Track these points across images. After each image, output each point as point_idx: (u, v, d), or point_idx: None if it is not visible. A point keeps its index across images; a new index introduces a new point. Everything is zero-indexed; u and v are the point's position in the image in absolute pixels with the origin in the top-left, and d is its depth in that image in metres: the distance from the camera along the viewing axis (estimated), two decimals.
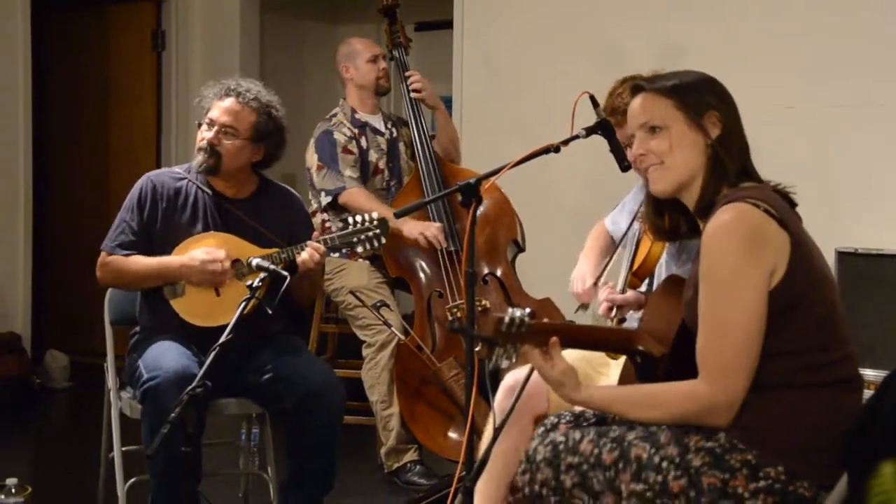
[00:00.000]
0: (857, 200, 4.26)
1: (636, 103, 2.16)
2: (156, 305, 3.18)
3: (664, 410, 1.98)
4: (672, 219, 2.21)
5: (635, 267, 2.78)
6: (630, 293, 2.73)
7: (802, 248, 1.99)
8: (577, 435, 2.06)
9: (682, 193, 2.12)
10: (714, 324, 1.95)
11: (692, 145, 2.08)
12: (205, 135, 3.20)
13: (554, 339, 2.04)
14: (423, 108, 4.25)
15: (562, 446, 2.05)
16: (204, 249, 3.11)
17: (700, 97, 2.10)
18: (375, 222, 3.16)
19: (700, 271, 1.99)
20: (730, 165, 2.06)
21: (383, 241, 3.19)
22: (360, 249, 3.18)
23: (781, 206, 2.03)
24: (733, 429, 1.95)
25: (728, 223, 1.96)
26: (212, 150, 3.17)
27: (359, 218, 3.17)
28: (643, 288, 2.86)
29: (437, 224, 4.02)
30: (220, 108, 3.19)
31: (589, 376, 2.62)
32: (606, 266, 2.99)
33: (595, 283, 2.93)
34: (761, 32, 4.48)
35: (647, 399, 2.01)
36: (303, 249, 3.10)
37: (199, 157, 3.19)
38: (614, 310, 2.69)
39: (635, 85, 2.18)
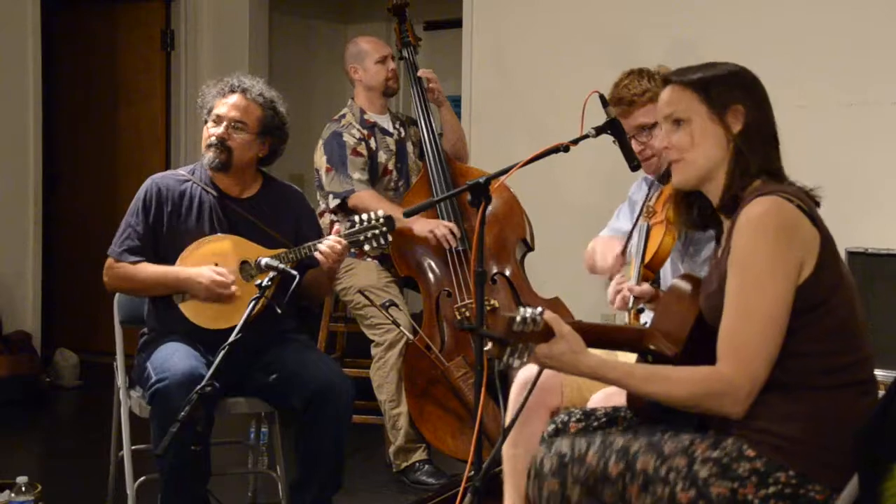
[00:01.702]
0: (867, 200, 4.24)
1: (664, 95, 2.15)
2: (163, 308, 3.18)
3: (681, 387, 1.95)
4: (696, 209, 2.20)
5: (647, 259, 2.76)
6: (645, 286, 2.71)
7: (830, 247, 1.99)
8: (583, 445, 2.05)
9: (705, 186, 2.12)
10: (742, 310, 1.94)
11: (714, 139, 2.07)
12: (213, 131, 3.20)
13: (553, 315, 1.99)
14: (433, 106, 4.25)
15: (567, 457, 2.04)
16: (216, 270, 3.09)
17: (726, 90, 2.09)
18: (381, 220, 3.15)
19: (730, 260, 1.98)
20: (752, 160, 2.05)
21: (389, 238, 3.19)
22: (367, 248, 3.17)
23: (811, 204, 2.03)
24: (745, 430, 1.94)
25: (762, 214, 1.95)
26: (222, 144, 3.18)
27: (365, 216, 3.17)
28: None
29: (448, 223, 4.01)
30: (228, 105, 3.20)
31: None
32: (628, 241, 2.94)
33: (623, 252, 2.88)
34: (772, 30, 4.46)
35: (663, 375, 1.99)
36: (313, 248, 3.09)
37: (210, 154, 3.19)
38: (631, 301, 2.68)
39: (664, 77, 2.18)
